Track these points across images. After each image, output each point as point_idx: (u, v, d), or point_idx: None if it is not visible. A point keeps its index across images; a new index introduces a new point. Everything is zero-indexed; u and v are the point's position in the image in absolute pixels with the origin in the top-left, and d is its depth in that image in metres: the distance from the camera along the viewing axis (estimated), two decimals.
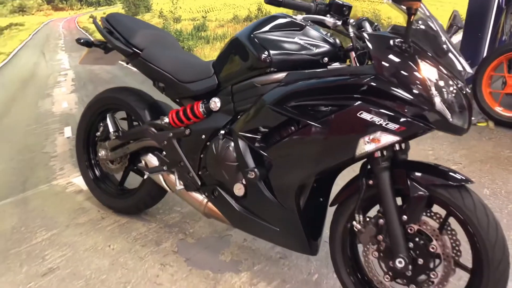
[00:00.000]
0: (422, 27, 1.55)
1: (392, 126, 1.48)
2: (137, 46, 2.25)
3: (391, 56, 1.49)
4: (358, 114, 1.51)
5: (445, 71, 1.50)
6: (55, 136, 3.11)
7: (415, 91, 1.45)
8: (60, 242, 2.43)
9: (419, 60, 1.47)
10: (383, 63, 1.49)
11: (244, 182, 1.89)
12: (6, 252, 2.34)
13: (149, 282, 2.08)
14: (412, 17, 1.41)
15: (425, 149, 3.65)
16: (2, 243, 2.42)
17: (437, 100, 1.45)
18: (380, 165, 1.60)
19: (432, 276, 1.61)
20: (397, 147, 1.63)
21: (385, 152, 1.60)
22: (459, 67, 1.53)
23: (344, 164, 1.71)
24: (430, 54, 1.50)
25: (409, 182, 1.58)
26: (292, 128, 1.72)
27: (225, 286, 2.05)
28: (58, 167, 3.16)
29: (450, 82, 1.49)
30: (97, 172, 2.75)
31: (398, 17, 1.71)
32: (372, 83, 1.50)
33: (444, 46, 1.54)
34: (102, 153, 2.56)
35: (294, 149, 1.73)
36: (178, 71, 2.14)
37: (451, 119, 1.47)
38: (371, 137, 1.52)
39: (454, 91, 1.49)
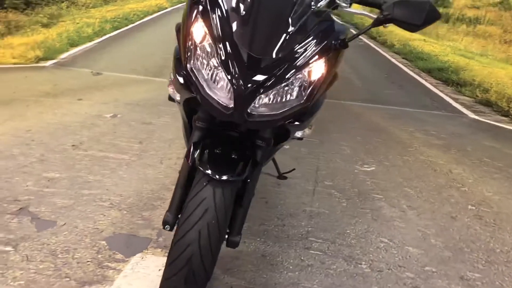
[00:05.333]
0: None
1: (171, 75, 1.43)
2: None
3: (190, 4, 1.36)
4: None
5: (221, 41, 1.23)
6: None
7: (182, 44, 1.32)
8: (128, 117, 3.30)
9: (196, 15, 1.28)
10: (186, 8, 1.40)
11: None
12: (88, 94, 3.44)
13: (107, 176, 2.68)
14: None
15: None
16: (111, 99, 3.53)
17: (191, 63, 1.27)
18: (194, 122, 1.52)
19: None
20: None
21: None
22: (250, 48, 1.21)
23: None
24: (224, 18, 1.25)
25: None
26: None
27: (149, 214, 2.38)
28: None
29: (215, 55, 1.23)
30: None
31: None
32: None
33: (248, 19, 1.24)
34: None
35: None
36: None
37: (205, 90, 1.25)
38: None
39: (218, 65, 1.23)
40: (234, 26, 1.24)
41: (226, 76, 1.21)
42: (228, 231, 1.56)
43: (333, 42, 1.31)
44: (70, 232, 1.94)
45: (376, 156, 3.07)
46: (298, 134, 1.55)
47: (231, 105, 1.22)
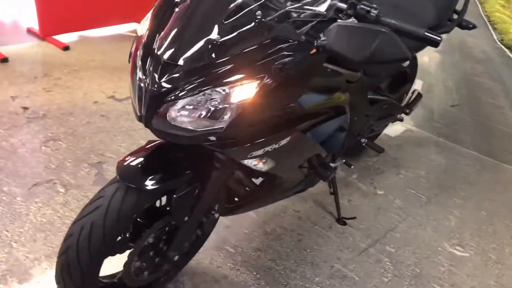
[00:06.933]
0: None
1: None
2: None
3: None
4: None
5: (150, 37, 1.21)
6: None
7: None
8: None
9: (154, 6, 1.28)
10: None
11: None
12: None
13: None
14: None
15: None
16: None
17: (131, 53, 1.27)
18: None
19: None
20: None
21: None
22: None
23: None
24: (168, 13, 1.22)
25: None
26: None
27: None
28: None
29: (142, 49, 1.22)
30: None
31: None
32: None
33: (178, 18, 1.19)
34: None
35: None
36: None
37: (131, 85, 1.25)
38: None
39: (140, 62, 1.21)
40: (167, 23, 1.20)
41: (142, 75, 1.18)
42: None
43: (276, 64, 1.12)
44: None
45: (485, 243, 2.41)
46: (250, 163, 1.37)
47: (138, 109, 1.21)
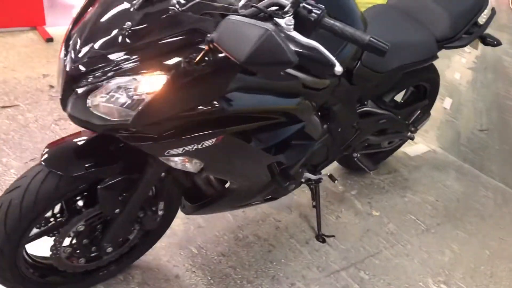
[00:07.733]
0: None
1: None
2: None
3: None
4: None
5: (78, 16, 1.26)
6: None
7: None
8: None
9: None
10: None
11: None
12: None
13: None
14: None
15: None
16: None
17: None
18: None
19: None
20: None
21: None
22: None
23: None
24: None
25: None
26: None
27: None
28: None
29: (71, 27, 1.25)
30: None
31: None
32: None
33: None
34: None
35: None
36: None
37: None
38: None
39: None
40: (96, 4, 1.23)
41: (63, 57, 1.20)
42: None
43: (188, 57, 1.11)
44: None
45: (477, 285, 2.21)
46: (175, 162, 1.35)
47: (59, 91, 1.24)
